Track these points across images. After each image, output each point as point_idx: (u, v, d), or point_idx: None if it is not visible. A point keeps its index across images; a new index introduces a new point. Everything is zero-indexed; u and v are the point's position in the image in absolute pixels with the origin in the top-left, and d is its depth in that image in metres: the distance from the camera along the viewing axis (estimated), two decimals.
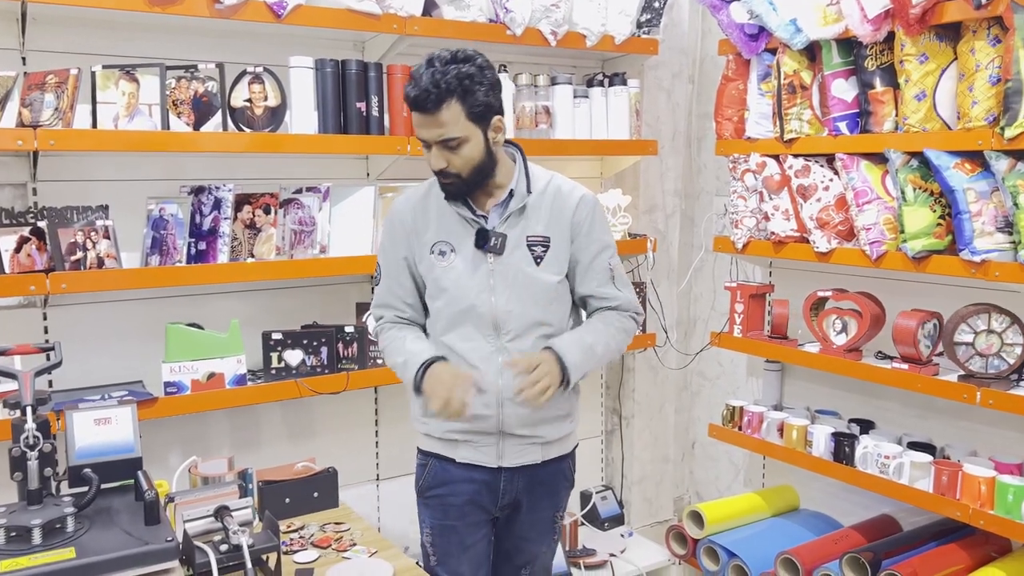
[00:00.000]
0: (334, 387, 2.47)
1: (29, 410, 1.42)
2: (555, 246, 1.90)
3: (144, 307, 2.44)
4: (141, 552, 1.32)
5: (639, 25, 2.99)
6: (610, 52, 3.02)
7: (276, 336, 2.46)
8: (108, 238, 2.21)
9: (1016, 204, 2.12)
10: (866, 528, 2.67)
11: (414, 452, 2.07)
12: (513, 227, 1.88)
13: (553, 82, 2.88)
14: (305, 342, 2.47)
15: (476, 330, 1.86)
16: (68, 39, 2.26)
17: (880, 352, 2.57)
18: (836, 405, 2.90)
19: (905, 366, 2.40)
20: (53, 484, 1.44)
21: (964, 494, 2.26)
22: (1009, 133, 2.10)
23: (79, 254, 2.18)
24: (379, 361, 2.54)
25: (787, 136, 2.66)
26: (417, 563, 2.03)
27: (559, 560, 2.80)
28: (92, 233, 2.19)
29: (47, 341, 2.18)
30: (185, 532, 1.44)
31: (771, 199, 2.71)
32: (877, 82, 2.45)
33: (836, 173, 2.57)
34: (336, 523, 2.24)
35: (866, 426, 2.73)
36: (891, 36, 2.38)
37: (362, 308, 2.60)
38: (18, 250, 2.11)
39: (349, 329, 2.51)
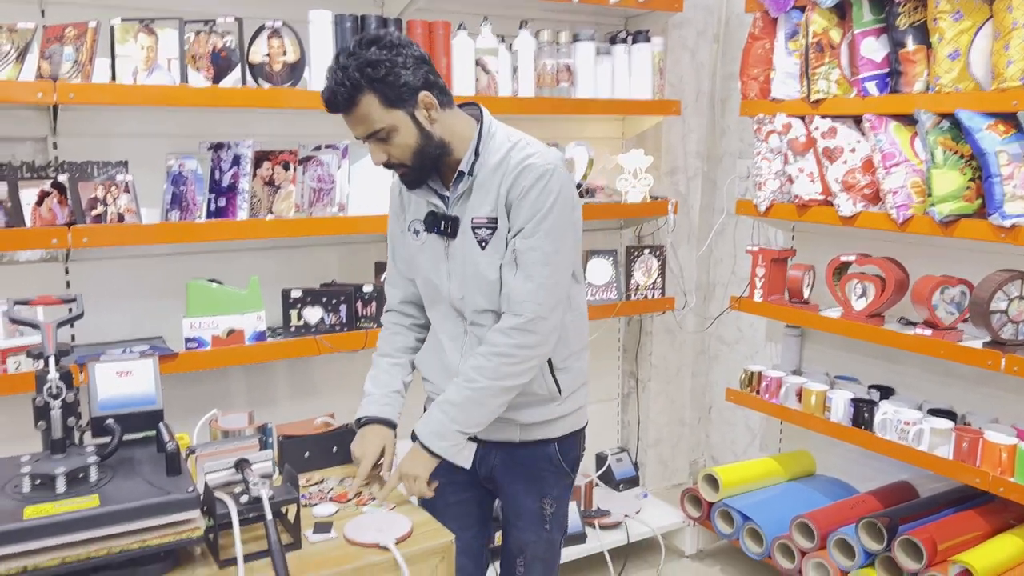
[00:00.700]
0: (353, 345, 2.48)
1: (52, 360, 1.42)
2: (501, 227, 1.69)
3: (164, 263, 2.45)
4: (163, 501, 1.34)
5: None
6: (633, 8, 2.95)
7: (295, 294, 2.47)
8: (128, 193, 2.21)
9: None
10: (883, 494, 2.66)
11: None
12: (464, 208, 1.72)
13: (575, 39, 2.83)
14: (324, 300, 2.48)
15: (447, 310, 1.81)
16: None
17: (903, 318, 2.54)
18: (856, 371, 2.87)
19: (928, 332, 2.37)
20: (76, 435, 1.45)
21: (984, 461, 2.25)
22: None
23: (99, 209, 2.18)
24: None
25: (814, 97, 2.60)
26: None
27: (574, 520, 2.82)
28: (112, 188, 2.20)
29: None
30: (206, 483, 1.45)
31: (796, 161, 2.66)
32: (909, 40, 2.38)
33: (863, 135, 2.51)
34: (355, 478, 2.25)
35: (886, 392, 2.71)
36: None
37: (380, 267, 2.60)
38: (40, 203, 2.12)
39: (367, 288, 2.51)
